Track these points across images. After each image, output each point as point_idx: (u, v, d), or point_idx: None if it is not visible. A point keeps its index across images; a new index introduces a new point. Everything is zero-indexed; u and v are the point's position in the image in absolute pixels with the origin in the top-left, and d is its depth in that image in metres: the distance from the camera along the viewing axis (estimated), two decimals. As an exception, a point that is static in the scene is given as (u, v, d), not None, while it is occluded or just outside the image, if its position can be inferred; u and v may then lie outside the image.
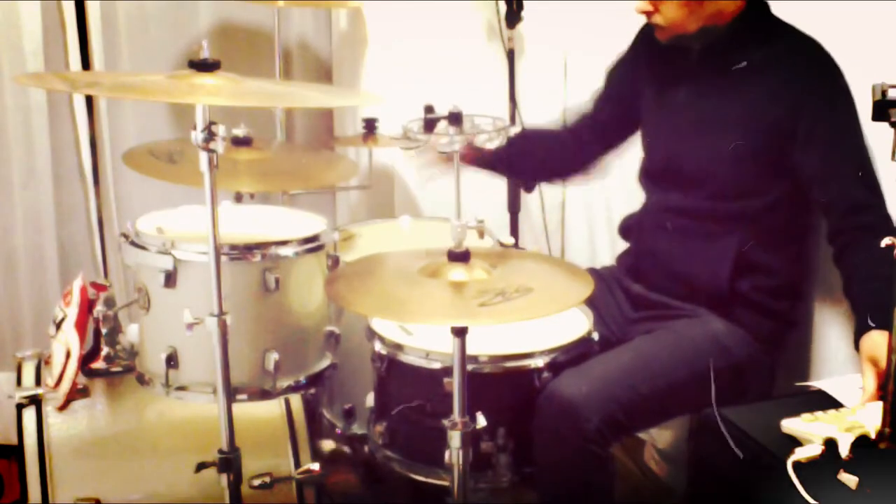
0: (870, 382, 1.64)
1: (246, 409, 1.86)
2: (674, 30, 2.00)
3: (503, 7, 2.77)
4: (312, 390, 2.06)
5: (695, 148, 2.05)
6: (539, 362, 1.89)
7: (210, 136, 1.58)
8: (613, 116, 2.28)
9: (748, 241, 2.00)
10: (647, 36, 2.13)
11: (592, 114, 2.32)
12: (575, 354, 1.93)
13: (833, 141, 1.90)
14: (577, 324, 2.04)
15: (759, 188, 1.98)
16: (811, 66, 1.93)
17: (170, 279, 1.81)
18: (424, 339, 1.95)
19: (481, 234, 2.28)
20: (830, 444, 1.32)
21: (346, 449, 2.41)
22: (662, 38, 2.03)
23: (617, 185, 2.62)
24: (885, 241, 1.28)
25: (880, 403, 1.34)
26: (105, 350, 2.08)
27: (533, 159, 2.37)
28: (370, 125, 2.74)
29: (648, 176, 2.20)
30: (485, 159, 2.29)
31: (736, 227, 2.00)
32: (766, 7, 2.01)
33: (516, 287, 1.59)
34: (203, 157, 1.60)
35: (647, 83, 2.18)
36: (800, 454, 1.41)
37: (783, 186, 1.97)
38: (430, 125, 1.93)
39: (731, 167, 1.99)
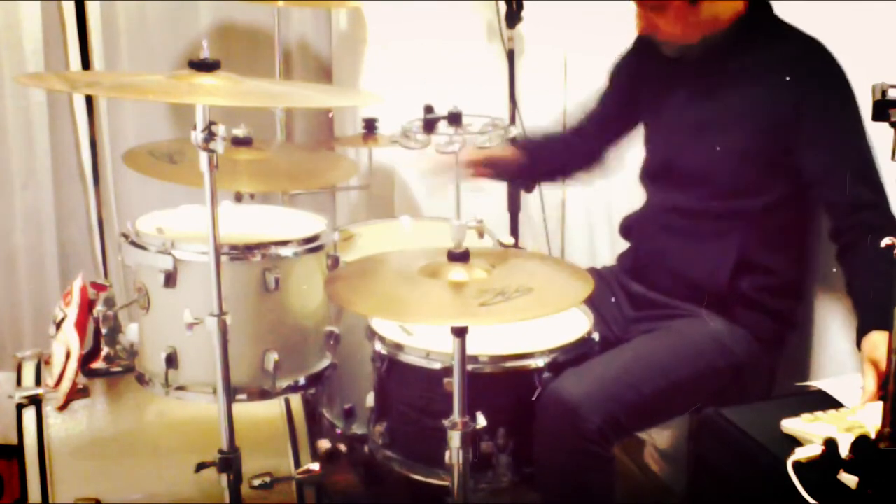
0: (870, 382, 1.64)
1: (246, 409, 1.86)
2: (677, 41, 2.00)
3: (503, 7, 2.77)
4: (312, 390, 2.06)
5: (695, 148, 2.04)
6: (539, 362, 1.89)
7: (210, 136, 1.58)
8: (615, 111, 2.29)
9: (748, 241, 2.00)
10: (647, 37, 2.13)
11: (596, 109, 2.32)
12: (575, 354, 1.93)
13: (837, 141, 1.89)
14: (577, 324, 2.04)
15: (759, 188, 1.98)
16: (814, 66, 1.92)
17: (170, 279, 1.81)
18: (425, 339, 1.95)
19: (481, 234, 2.29)
20: (830, 444, 1.32)
21: (343, 447, 2.40)
22: (669, 51, 2.04)
23: (617, 184, 2.62)
24: (885, 241, 1.28)
25: (880, 403, 1.34)
26: (105, 350, 2.08)
27: (539, 161, 2.38)
28: (370, 125, 2.74)
29: (649, 176, 2.20)
30: (496, 171, 2.33)
31: (736, 227, 2.00)
32: (769, 8, 2.01)
33: (516, 287, 1.59)
34: (203, 157, 1.60)
35: (648, 83, 2.18)
36: (800, 454, 1.41)
37: (783, 187, 1.97)
38: (429, 125, 1.93)
39: (731, 167, 1.99)
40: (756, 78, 1.95)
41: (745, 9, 1.97)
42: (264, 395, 1.87)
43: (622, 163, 2.38)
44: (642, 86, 2.20)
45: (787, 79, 1.91)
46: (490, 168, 2.31)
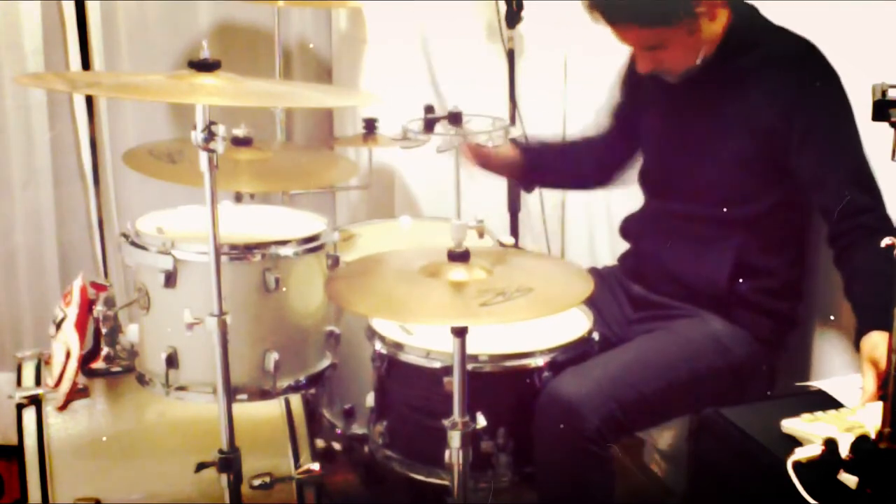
0: (870, 383, 1.64)
1: (246, 409, 1.86)
2: (679, 69, 1.98)
3: (503, 7, 2.76)
4: (312, 390, 2.06)
5: (691, 157, 2.05)
6: (539, 362, 1.89)
7: (210, 136, 1.58)
8: (625, 124, 2.28)
9: (747, 244, 2.00)
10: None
11: (608, 122, 2.31)
12: (575, 354, 1.93)
13: (828, 144, 1.89)
14: (577, 323, 2.04)
15: (756, 193, 1.97)
16: (803, 68, 1.92)
17: (170, 279, 1.81)
18: (425, 339, 1.95)
19: (481, 234, 2.28)
20: (830, 444, 1.32)
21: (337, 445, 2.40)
22: (670, 79, 2.01)
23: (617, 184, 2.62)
24: (885, 241, 1.28)
25: (880, 403, 1.34)
26: (105, 350, 2.08)
27: (536, 167, 2.37)
28: (370, 125, 2.74)
29: (646, 182, 2.21)
30: (489, 164, 2.32)
31: (734, 231, 2.00)
32: (755, 11, 2.00)
33: (517, 287, 1.59)
34: (203, 157, 1.61)
35: (644, 92, 2.19)
36: (800, 454, 1.41)
37: (781, 190, 1.97)
38: (430, 125, 1.93)
39: (727, 174, 1.99)
40: (747, 83, 1.94)
41: (730, 17, 1.96)
42: (264, 395, 1.87)
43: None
44: (641, 98, 2.20)
45: (776, 83, 1.90)
46: (482, 159, 2.30)
